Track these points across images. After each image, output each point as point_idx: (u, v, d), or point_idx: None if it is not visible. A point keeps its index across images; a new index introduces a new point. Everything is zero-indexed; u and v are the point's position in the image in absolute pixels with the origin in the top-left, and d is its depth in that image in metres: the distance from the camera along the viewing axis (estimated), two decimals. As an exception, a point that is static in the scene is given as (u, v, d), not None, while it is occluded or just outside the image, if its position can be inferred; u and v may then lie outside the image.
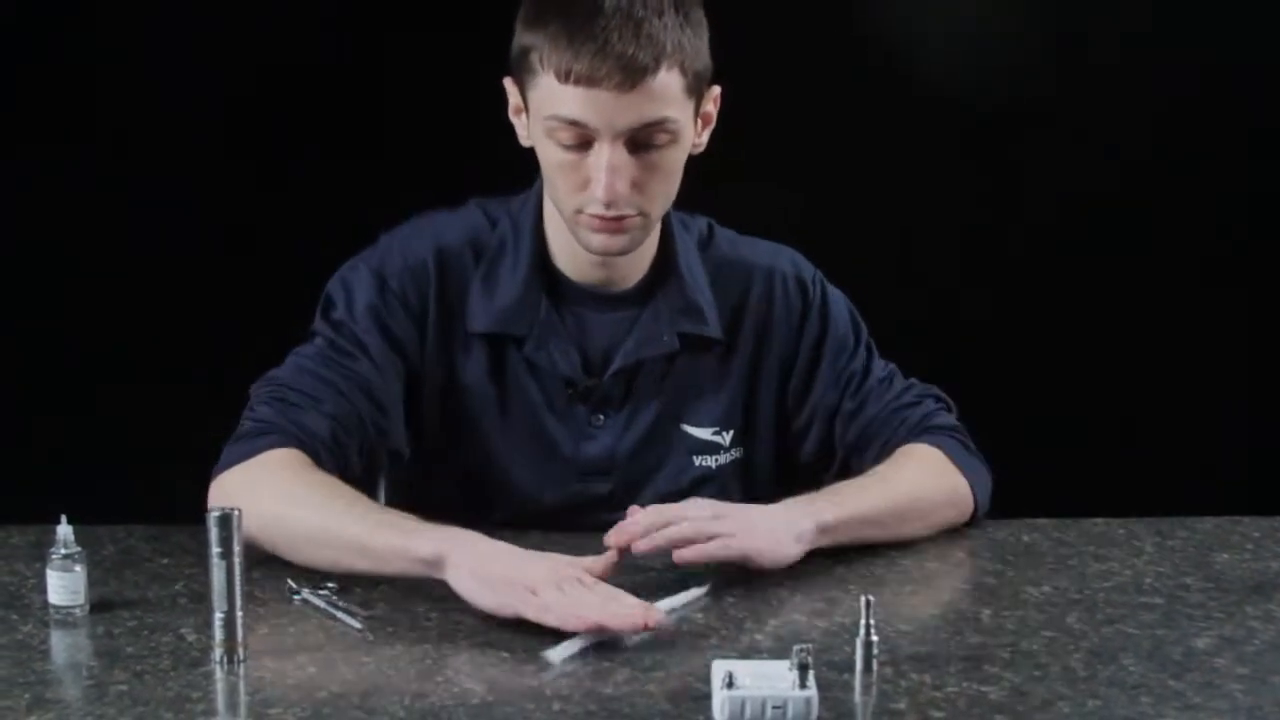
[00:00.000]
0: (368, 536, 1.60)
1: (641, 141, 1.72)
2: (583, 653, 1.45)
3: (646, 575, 1.65)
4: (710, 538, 1.62)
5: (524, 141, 1.80)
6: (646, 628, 1.47)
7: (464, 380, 1.87)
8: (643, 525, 1.61)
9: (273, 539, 1.65)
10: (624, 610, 1.48)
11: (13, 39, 2.87)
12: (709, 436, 1.92)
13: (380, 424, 1.81)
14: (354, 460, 1.79)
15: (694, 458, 1.92)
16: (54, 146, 2.87)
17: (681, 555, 1.61)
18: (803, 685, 1.29)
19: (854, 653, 1.41)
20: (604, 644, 1.47)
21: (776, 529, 1.67)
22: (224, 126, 2.92)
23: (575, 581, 1.52)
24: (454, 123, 2.75)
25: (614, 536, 1.61)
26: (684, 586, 1.61)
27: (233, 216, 2.92)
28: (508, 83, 1.79)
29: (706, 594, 1.61)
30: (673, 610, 1.57)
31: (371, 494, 1.98)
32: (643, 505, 1.86)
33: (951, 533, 1.86)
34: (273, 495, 1.66)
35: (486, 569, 1.53)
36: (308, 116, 2.93)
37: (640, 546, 1.60)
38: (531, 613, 1.48)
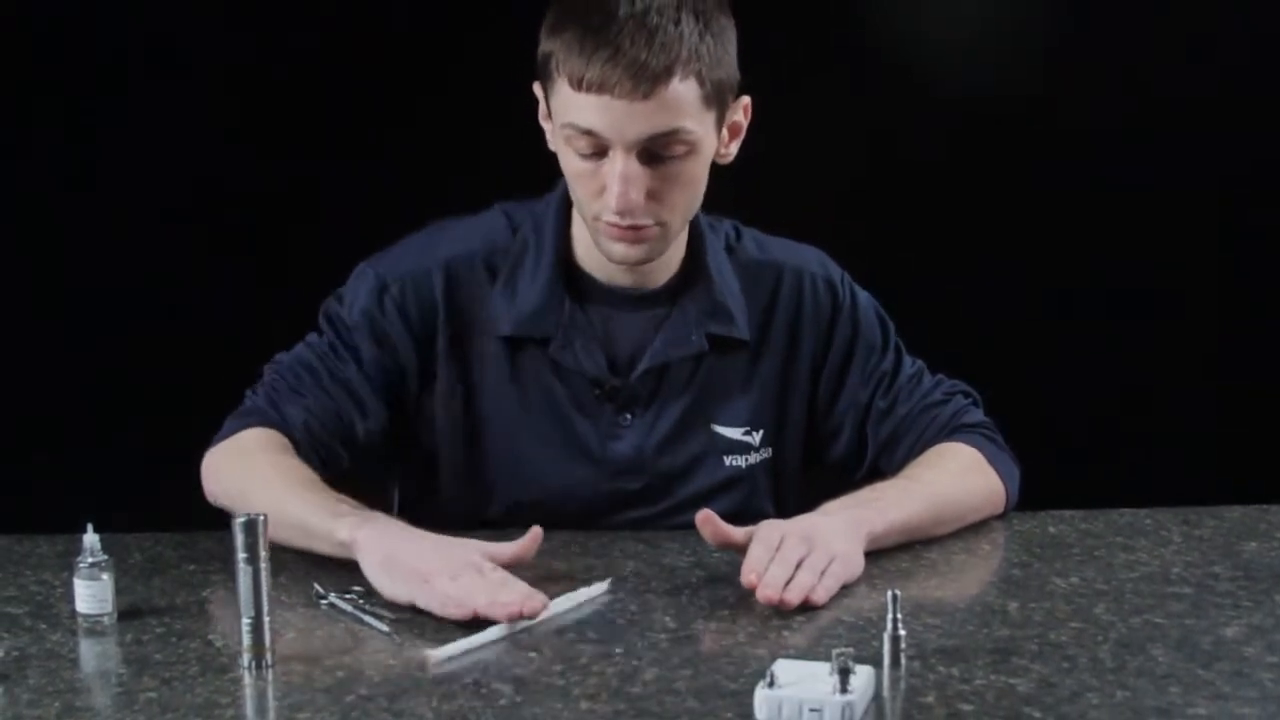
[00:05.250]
0: (304, 516, 1.67)
1: (656, 152, 1.71)
2: (470, 654, 1.45)
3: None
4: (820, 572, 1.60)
5: (551, 146, 1.80)
6: (522, 615, 1.49)
7: (489, 385, 1.87)
8: (778, 579, 1.56)
9: (236, 511, 1.63)
10: (506, 598, 1.50)
11: (22, 43, 2.88)
12: (739, 436, 1.92)
13: (363, 425, 1.86)
14: (340, 453, 1.86)
15: (725, 457, 1.91)
16: (59, 150, 2.88)
17: (819, 599, 1.56)
18: (843, 690, 1.28)
19: (881, 647, 1.41)
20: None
21: (851, 548, 1.65)
22: (243, 130, 2.93)
23: (472, 569, 1.55)
24: (480, 125, 2.76)
25: (763, 591, 1.55)
26: (586, 582, 1.63)
27: (260, 228, 2.93)
28: (536, 88, 1.79)
29: (606, 590, 1.62)
30: (575, 606, 1.58)
31: (387, 499, 1.99)
32: (676, 505, 1.88)
33: (977, 525, 1.86)
34: (243, 471, 1.78)
35: (391, 556, 1.58)
36: (328, 118, 2.94)
37: (790, 599, 1.54)
38: (422, 601, 1.53)
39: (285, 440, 1.82)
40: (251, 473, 1.77)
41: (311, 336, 1.90)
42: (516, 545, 1.62)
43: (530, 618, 1.50)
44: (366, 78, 2.93)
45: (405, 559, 1.57)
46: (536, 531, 1.63)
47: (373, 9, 2.94)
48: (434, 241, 1.90)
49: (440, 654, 1.44)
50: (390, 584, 1.56)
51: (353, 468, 1.88)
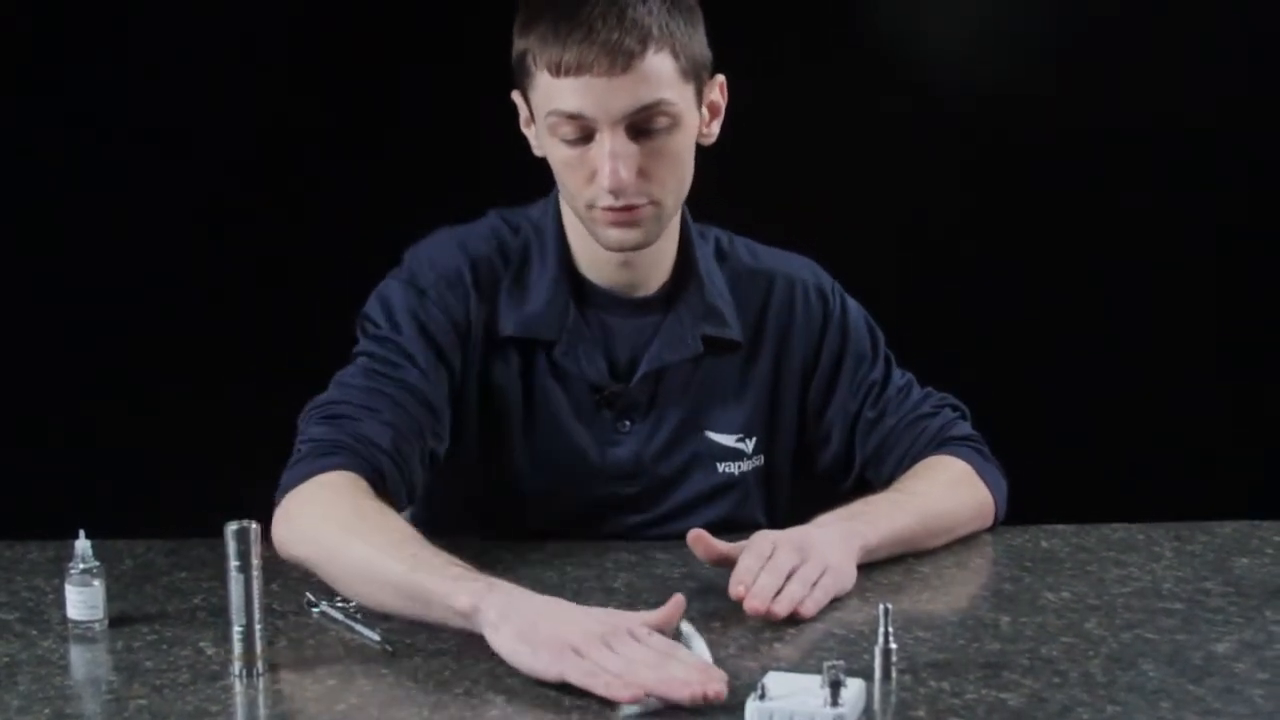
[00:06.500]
0: (408, 579, 1.50)
1: (642, 127, 1.72)
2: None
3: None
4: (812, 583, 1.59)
5: (536, 151, 1.81)
6: (705, 699, 1.33)
7: (496, 386, 1.86)
8: (767, 589, 1.55)
9: (326, 570, 1.59)
10: (682, 675, 1.35)
11: (21, 43, 2.89)
12: (732, 443, 1.92)
13: (436, 429, 1.78)
14: (416, 468, 1.74)
15: (718, 464, 1.91)
16: (59, 150, 2.89)
17: (807, 612, 1.56)
18: (834, 703, 1.28)
19: (873, 660, 1.41)
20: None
21: (843, 560, 1.65)
22: (244, 129, 2.93)
23: (627, 636, 1.40)
24: (467, 141, 2.76)
25: (750, 601, 1.54)
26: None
27: (255, 240, 2.93)
28: (515, 95, 1.81)
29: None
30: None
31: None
32: (669, 511, 1.88)
33: (969, 539, 1.86)
34: (330, 523, 1.60)
35: (530, 626, 1.41)
36: (328, 118, 2.94)
37: (778, 611, 1.54)
38: (576, 677, 1.36)
39: (364, 482, 1.65)
40: (343, 525, 1.58)
41: (347, 368, 1.78)
42: (660, 613, 1.45)
43: (716, 702, 1.33)
44: (366, 78, 2.93)
45: (548, 628, 1.40)
46: (675, 604, 1.46)
47: (372, 9, 2.94)
48: (449, 243, 1.87)
49: (627, 711, 1.34)
50: (533, 658, 1.39)
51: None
